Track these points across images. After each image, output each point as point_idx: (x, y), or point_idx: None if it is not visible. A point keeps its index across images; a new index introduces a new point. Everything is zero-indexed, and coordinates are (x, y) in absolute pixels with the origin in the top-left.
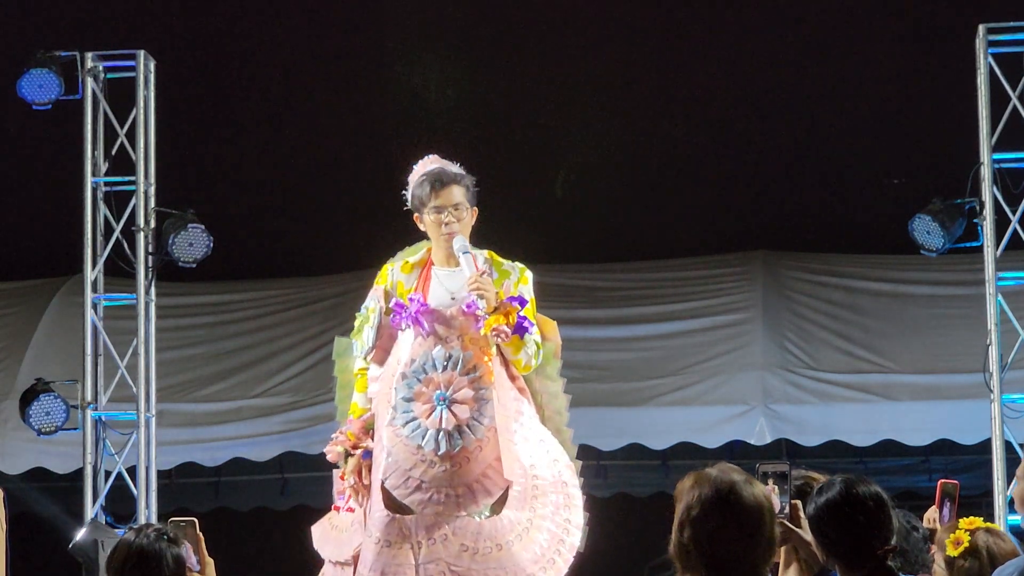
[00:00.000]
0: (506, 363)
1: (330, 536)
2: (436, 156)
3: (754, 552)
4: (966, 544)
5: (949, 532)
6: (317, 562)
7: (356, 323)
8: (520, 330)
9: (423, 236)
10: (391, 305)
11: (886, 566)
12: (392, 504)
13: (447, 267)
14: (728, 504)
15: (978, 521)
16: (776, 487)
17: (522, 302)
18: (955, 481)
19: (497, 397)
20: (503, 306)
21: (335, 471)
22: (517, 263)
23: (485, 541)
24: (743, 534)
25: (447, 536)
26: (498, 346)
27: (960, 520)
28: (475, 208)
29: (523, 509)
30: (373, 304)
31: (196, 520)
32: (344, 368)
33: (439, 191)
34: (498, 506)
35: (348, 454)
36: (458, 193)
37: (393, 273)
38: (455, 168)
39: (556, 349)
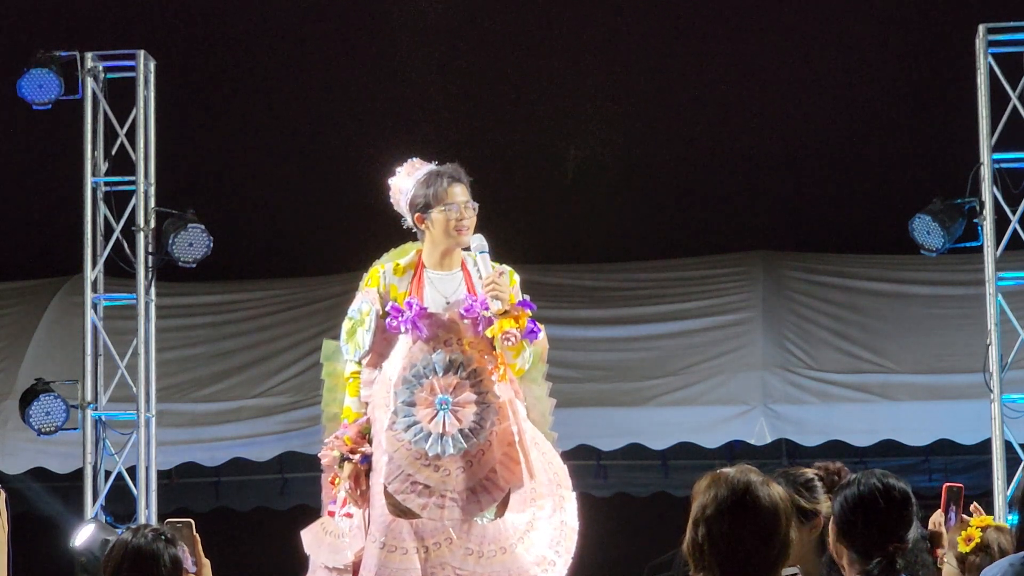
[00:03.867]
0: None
1: (324, 541)
2: (420, 159)
3: (768, 553)
4: (977, 540)
5: (960, 531)
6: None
7: (346, 327)
8: (530, 335)
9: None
10: (387, 308)
11: (894, 563)
12: (395, 508)
13: (439, 270)
14: (744, 504)
15: (989, 520)
16: None
17: (530, 306)
18: (959, 485)
19: (509, 400)
20: (514, 310)
21: (324, 476)
22: (504, 265)
23: (489, 544)
24: (758, 535)
25: (452, 540)
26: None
27: (972, 519)
28: None
29: (523, 511)
30: (367, 307)
31: (193, 522)
32: (332, 372)
33: (453, 188)
34: (500, 509)
35: (344, 459)
36: (468, 191)
37: (385, 276)
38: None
39: (543, 352)
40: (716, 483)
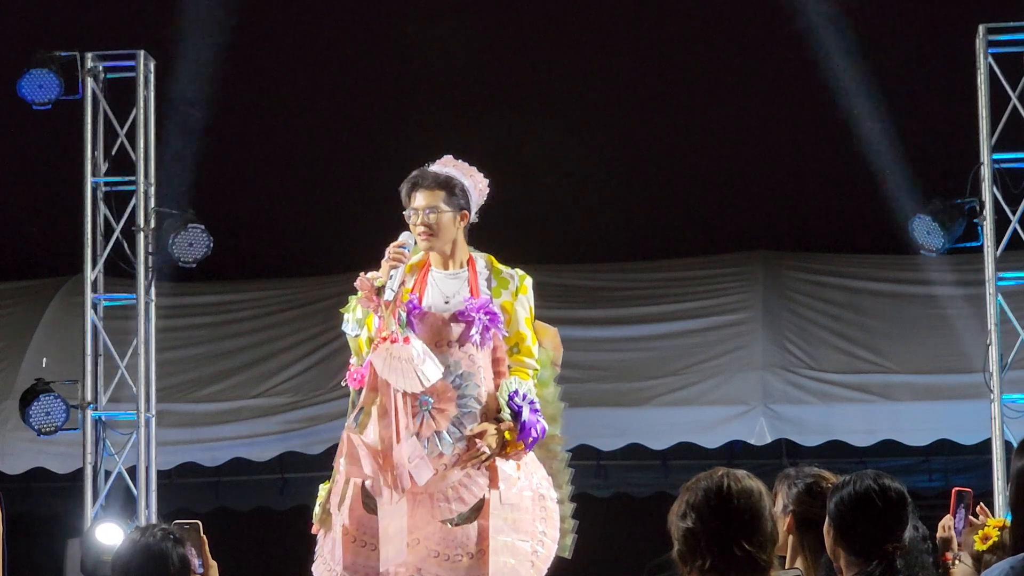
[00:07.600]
0: (498, 374)
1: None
2: (450, 157)
3: (760, 532)
4: (994, 540)
5: (975, 532)
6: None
7: (350, 303)
8: (532, 445)
9: None
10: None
11: (893, 564)
12: (369, 505)
13: (442, 269)
14: (728, 488)
15: (1006, 521)
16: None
17: (528, 432)
18: (968, 489)
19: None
20: (511, 447)
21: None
22: (517, 270)
23: (456, 549)
24: (747, 515)
25: (419, 541)
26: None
27: (988, 520)
28: (464, 212)
29: (501, 519)
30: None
31: (200, 523)
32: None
33: (412, 193)
34: (474, 514)
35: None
36: (435, 196)
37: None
38: (445, 169)
39: (555, 356)
40: (693, 484)
